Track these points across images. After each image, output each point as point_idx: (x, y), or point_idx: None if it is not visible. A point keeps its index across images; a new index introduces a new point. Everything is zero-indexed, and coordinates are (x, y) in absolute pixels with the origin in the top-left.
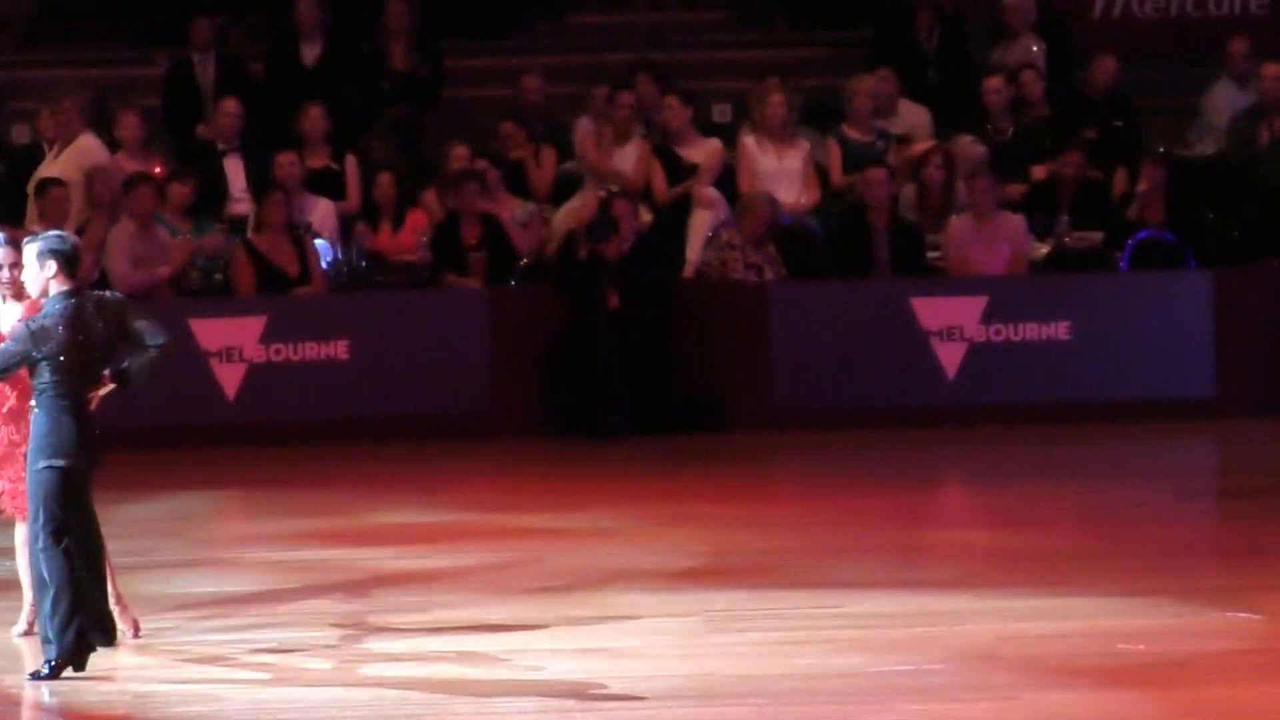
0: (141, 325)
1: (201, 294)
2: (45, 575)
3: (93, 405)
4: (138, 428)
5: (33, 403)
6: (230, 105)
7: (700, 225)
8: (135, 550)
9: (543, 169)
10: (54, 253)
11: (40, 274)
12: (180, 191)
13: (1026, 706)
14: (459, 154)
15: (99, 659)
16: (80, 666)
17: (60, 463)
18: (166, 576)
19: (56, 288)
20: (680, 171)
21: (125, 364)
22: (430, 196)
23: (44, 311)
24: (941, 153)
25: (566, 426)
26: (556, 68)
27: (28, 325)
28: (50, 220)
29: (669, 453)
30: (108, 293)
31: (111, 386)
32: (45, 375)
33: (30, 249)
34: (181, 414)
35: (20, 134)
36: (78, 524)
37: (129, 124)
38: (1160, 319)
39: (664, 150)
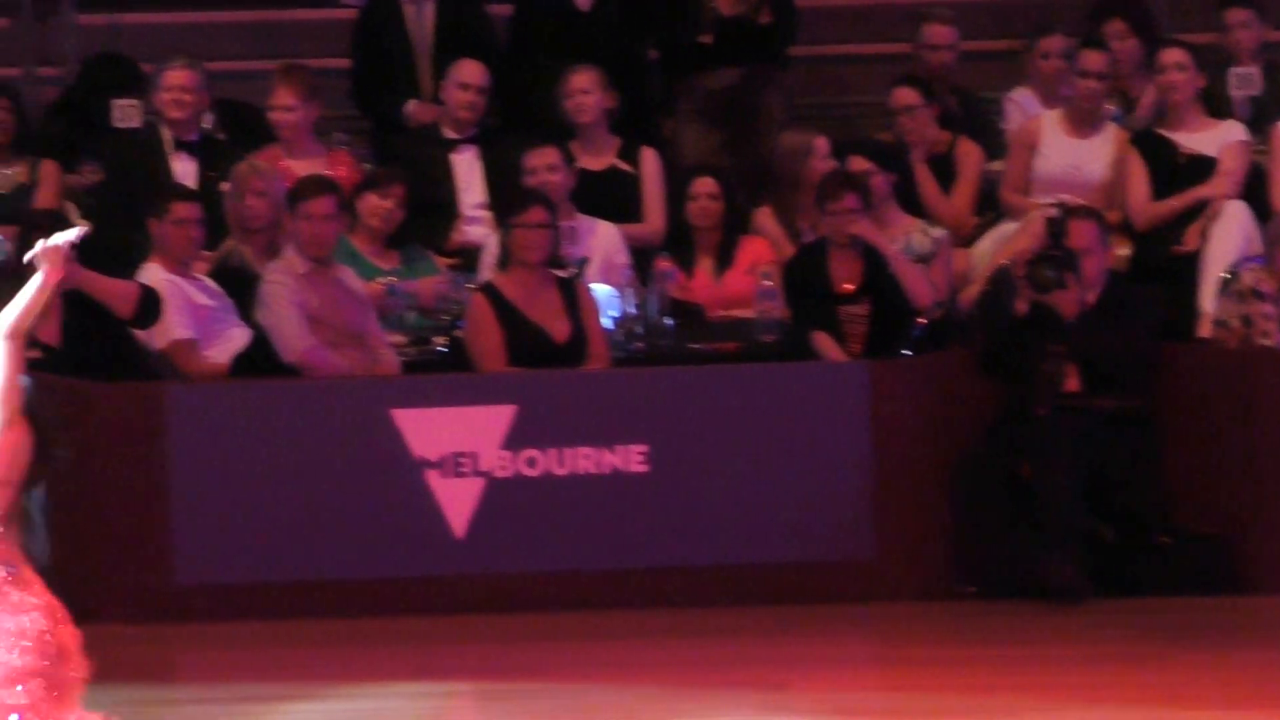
0: None
1: (414, 370)
2: None
3: None
4: (303, 582)
5: None
6: (467, 71)
7: (1217, 260)
8: None
9: (962, 174)
10: None
11: None
12: (380, 207)
13: None
14: (820, 148)
15: None
16: None
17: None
18: None
19: None
20: (1178, 172)
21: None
22: (771, 216)
23: None
24: None
25: (993, 583)
26: (974, 11)
27: None
28: None
29: (1159, 625)
30: None
31: None
32: None
33: None
34: (380, 558)
35: (126, 115)
36: None
37: (288, 100)
38: None
39: (1151, 140)
